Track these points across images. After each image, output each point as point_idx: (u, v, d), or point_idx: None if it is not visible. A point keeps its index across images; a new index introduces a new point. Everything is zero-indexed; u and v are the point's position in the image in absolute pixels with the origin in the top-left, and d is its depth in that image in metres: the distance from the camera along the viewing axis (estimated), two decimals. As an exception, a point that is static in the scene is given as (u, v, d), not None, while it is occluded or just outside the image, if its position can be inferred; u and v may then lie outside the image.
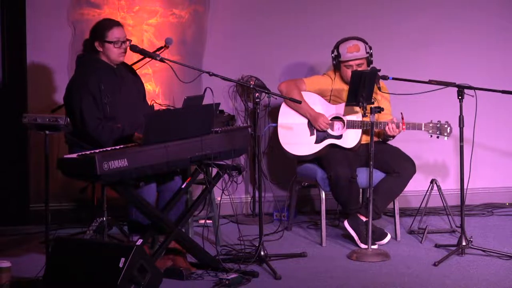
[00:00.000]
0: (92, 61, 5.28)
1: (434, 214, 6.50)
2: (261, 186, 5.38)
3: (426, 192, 6.00)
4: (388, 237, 5.75)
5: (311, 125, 5.91)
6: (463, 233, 5.45)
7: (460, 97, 5.41)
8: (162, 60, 5.28)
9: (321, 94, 5.97)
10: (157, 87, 6.37)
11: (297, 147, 5.93)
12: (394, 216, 5.93)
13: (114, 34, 5.23)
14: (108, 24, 5.30)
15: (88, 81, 5.18)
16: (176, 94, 6.33)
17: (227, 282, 4.82)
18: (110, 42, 5.22)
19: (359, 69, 5.81)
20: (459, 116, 5.42)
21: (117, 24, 5.33)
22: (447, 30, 6.81)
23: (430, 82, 5.55)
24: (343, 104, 5.85)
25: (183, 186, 5.10)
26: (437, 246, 5.70)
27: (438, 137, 5.79)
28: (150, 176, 4.99)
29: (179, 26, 6.44)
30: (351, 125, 5.86)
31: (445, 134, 5.78)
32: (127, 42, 5.30)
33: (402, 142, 6.02)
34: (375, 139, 5.64)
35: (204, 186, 5.20)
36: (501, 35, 6.89)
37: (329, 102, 5.95)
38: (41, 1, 6.25)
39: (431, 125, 5.79)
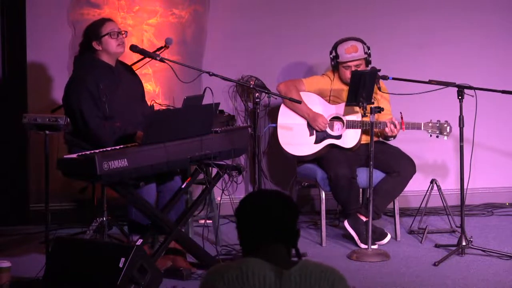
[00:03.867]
0: (89, 60, 5.28)
1: (434, 214, 6.49)
2: (261, 186, 5.38)
3: (426, 192, 5.99)
4: (388, 237, 5.75)
5: (310, 125, 5.91)
6: (463, 233, 5.45)
7: (460, 97, 5.41)
8: (162, 60, 5.29)
9: (321, 94, 5.96)
10: (157, 87, 6.37)
11: (296, 148, 5.92)
12: (394, 216, 5.93)
13: (107, 27, 5.28)
14: (100, 21, 5.38)
15: (86, 80, 5.18)
16: (176, 94, 6.33)
17: (227, 282, 4.81)
18: (106, 35, 5.24)
19: (358, 69, 5.81)
20: (459, 116, 5.42)
21: (108, 19, 5.41)
22: (447, 30, 6.80)
23: (430, 82, 5.55)
24: (343, 104, 5.85)
25: (183, 186, 5.11)
26: (437, 246, 5.70)
27: (437, 136, 5.80)
28: (150, 176, 4.99)
29: (179, 26, 6.44)
30: (351, 125, 5.86)
31: (445, 133, 5.79)
32: (124, 34, 5.32)
33: (402, 142, 6.02)
34: (375, 139, 5.64)
35: (204, 186, 5.20)
36: (501, 35, 6.88)
37: (328, 102, 5.95)
38: (41, 1, 6.25)
39: (430, 124, 5.79)
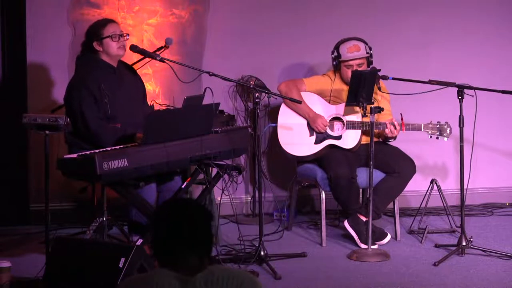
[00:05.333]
0: (91, 61, 5.29)
1: (434, 214, 6.49)
2: (261, 186, 5.38)
3: (426, 192, 5.99)
4: (388, 237, 5.75)
5: (310, 126, 5.91)
6: (463, 233, 5.45)
7: (460, 97, 5.40)
8: (162, 60, 5.29)
9: (321, 94, 5.96)
10: (157, 87, 6.37)
11: (296, 148, 5.92)
12: (394, 216, 5.93)
13: (109, 29, 5.28)
14: (102, 22, 5.38)
15: (88, 81, 5.19)
16: (176, 94, 6.33)
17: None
18: (107, 37, 5.24)
19: (360, 69, 5.81)
20: (459, 116, 5.42)
21: (111, 20, 5.41)
22: (447, 29, 6.80)
23: (430, 82, 5.54)
24: (343, 104, 5.85)
25: (183, 186, 5.11)
26: (437, 246, 5.70)
27: (437, 137, 5.79)
28: (150, 176, 4.99)
29: (179, 26, 6.44)
30: (351, 125, 5.85)
31: (445, 135, 5.78)
32: (126, 36, 5.33)
33: (402, 142, 6.01)
34: (375, 139, 5.63)
35: (204, 186, 5.20)
36: (501, 34, 6.88)
37: (328, 102, 5.95)
38: (41, 1, 6.25)
39: (430, 126, 5.79)
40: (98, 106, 5.17)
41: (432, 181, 5.98)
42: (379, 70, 5.54)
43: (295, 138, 5.92)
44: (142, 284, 2.71)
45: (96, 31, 5.28)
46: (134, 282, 2.73)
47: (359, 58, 5.86)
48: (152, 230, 2.81)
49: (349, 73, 5.80)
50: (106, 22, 5.36)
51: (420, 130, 5.80)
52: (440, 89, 5.54)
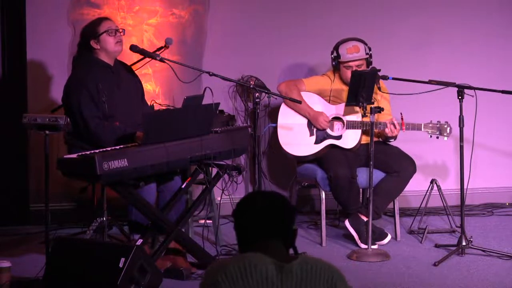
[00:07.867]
0: (88, 61, 5.28)
1: (434, 214, 6.49)
2: (261, 186, 5.38)
3: (426, 192, 5.99)
4: (389, 237, 5.74)
5: (310, 126, 5.91)
6: (463, 233, 5.45)
7: (460, 97, 5.41)
8: (162, 60, 5.29)
9: (321, 94, 5.96)
10: (157, 87, 6.37)
11: (296, 148, 5.92)
12: (394, 216, 5.93)
13: (104, 25, 5.29)
14: (97, 20, 5.40)
15: (86, 80, 5.19)
16: (176, 94, 6.33)
17: (227, 282, 4.81)
18: (103, 33, 5.25)
19: (359, 69, 5.81)
20: (459, 116, 5.42)
21: (105, 18, 5.43)
22: (447, 29, 6.80)
23: (430, 82, 5.55)
24: (343, 104, 5.85)
25: (183, 186, 5.11)
26: (437, 246, 5.70)
27: (437, 137, 5.80)
28: (150, 176, 4.99)
29: (179, 26, 6.44)
30: (351, 125, 5.85)
31: (445, 134, 5.79)
32: (122, 32, 5.33)
33: (402, 142, 6.01)
34: (375, 139, 5.63)
35: (204, 186, 5.20)
36: (501, 33, 6.88)
37: (328, 102, 5.95)
38: (41, 1, 6.25)
39: (430, 125, 5.79)
40: (96, 106, 5.16)
41: (432, 181, 5.98)
42: (379, 70, 5.53)
43: (295, 138, 5.92)
44: (239, 265, 2.72)
45: (92, 29, 5.29)
46: (228, 263, 2.75)
47: (358, 60, 5.86)
48: (238, 218, 2.88)
49: (348, 73, 5.80)
50: (100, 19, 5.38)
51: (420, 129, 5.80)
52: (440, 89, 5.55)
